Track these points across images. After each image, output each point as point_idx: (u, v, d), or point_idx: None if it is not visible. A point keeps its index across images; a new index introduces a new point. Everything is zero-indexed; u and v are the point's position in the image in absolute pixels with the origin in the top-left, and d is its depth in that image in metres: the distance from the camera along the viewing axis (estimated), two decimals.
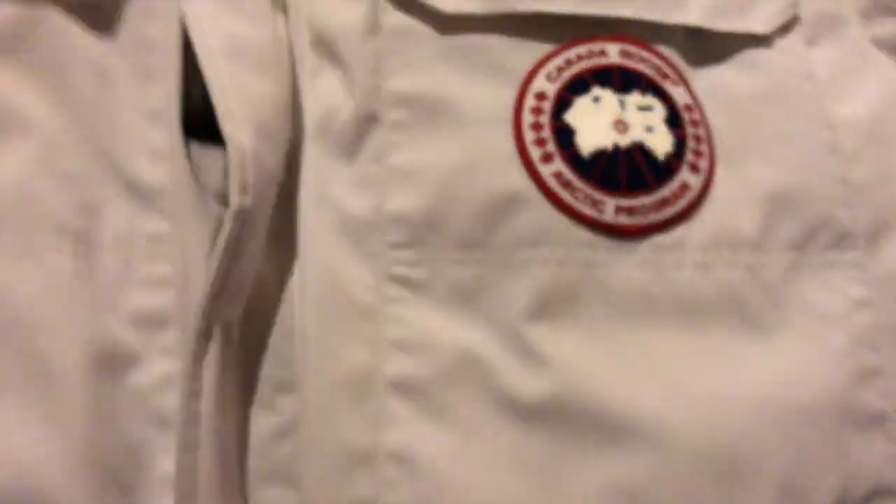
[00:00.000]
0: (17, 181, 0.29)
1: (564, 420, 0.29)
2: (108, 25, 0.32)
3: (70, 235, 0.29)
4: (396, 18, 0.32)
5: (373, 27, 0.32)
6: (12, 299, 0.28)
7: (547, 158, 0.31)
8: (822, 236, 0.31)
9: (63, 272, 0.29)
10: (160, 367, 0.30)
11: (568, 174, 0.30)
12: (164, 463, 0.29)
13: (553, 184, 0.30)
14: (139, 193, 0.31)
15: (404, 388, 0.29)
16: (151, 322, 0.30)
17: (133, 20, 0.32)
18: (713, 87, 0.33)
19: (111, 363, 0.29)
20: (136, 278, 0.30)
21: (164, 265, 0.31)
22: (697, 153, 0.32)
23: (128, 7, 0.32)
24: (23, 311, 0.28)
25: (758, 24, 0.33)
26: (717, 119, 0.33)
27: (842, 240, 0.32)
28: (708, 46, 0.33)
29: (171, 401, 0.29)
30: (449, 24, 0.32)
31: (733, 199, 0.31)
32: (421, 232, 0.30)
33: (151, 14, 0.32)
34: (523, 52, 0.32)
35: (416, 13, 0.32)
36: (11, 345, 0.27)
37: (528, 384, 0.29)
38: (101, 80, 0.31)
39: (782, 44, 0.34)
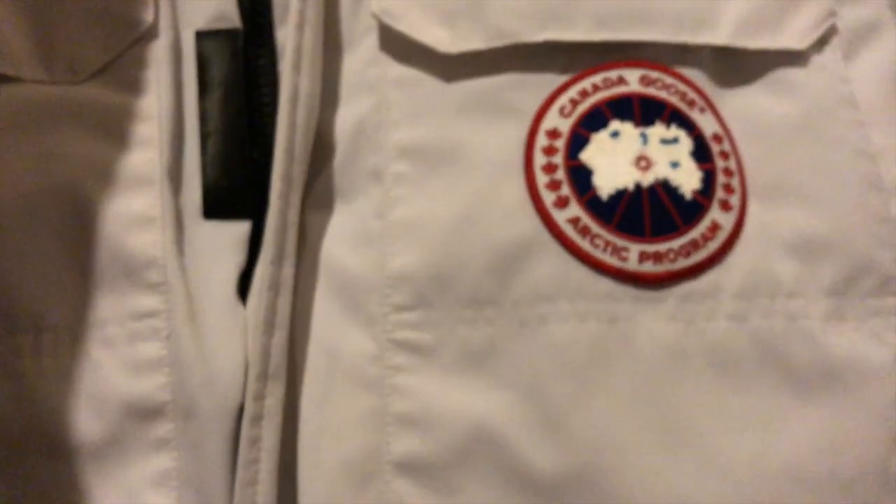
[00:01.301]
0: None
1: (583, 500, 0.26)
2: None
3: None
4: (399, 70, 0.30)
5: (376, 80, 0.30)
6: None
7: (562, 203, 0.28)
8: (863, 281, 0.28)
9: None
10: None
11: (586, 219, 0.28)
12: None
13: (570, 231, 0.28)
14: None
15: (411, 468, 0.27)
16: (143, 411, 0.28)
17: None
18: (743, 113, 0.30)
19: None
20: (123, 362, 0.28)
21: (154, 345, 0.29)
22: (728, 189, 0.29)
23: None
24: None
25: (793, 39, 0.30)
26: (748, 149, 0.29)
27: (884, 285, 0.28)
28: (737, 66, 0.30)
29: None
30: (452, 69, 0.29)
31: (767, 239, 0.28)
32: (426, 291, 0.28)
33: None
34: (533, 88, 0.29)
35: (417, 62, 0.30)
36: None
37: (546, 457, 0.26)
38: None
39: (818, 60, 0.30)
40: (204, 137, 0.31)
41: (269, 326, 0.28)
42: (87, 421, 0.28)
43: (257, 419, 0.27)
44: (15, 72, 0.30)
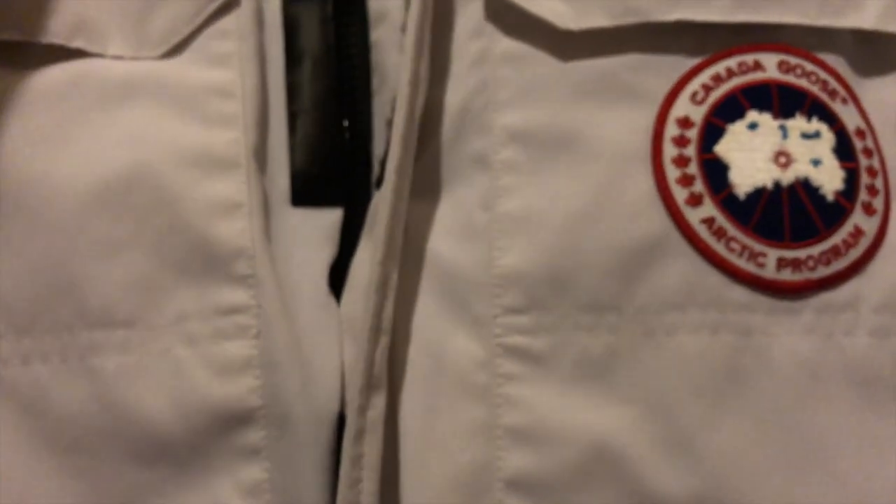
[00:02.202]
0: None
1: None
2: None
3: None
4: (508, 44, 0.27)
5: (482, 54, 0.27)
6: None
7: (695, 200, 0.25)
8: None
9: None
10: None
11: (721, 220, 0.25)
12: None
13: (703, 232, 0.25)
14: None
15: (525, 486, 0.25)
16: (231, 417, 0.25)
17: None
18: (887, 105, 0.27)
19: None
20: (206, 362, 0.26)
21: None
22: (872, 190, 0.26)
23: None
24: None
25: None
26: (892, 146, 0.27)
27: None
28: (880, 54, 0.28)
29: None
30: (568, 46, 0.26)
31: None
32: (541, 292, 0.25)
33: None
34: (660, 70, 0.26)
35: (531, 37, 0.27)
36: None
37: (672, 480, 0.24)
38: None
39: None
40: (292, 116, 0.29)
41: (375, 333, 0.25)
42: (170, 425, 0.26)
43: (360, 435, 0.24)
44: (97, 48, 0.28)
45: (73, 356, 0.26)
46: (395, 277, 0.25)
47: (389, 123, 0.27)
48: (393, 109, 0.27)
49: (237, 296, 0.26)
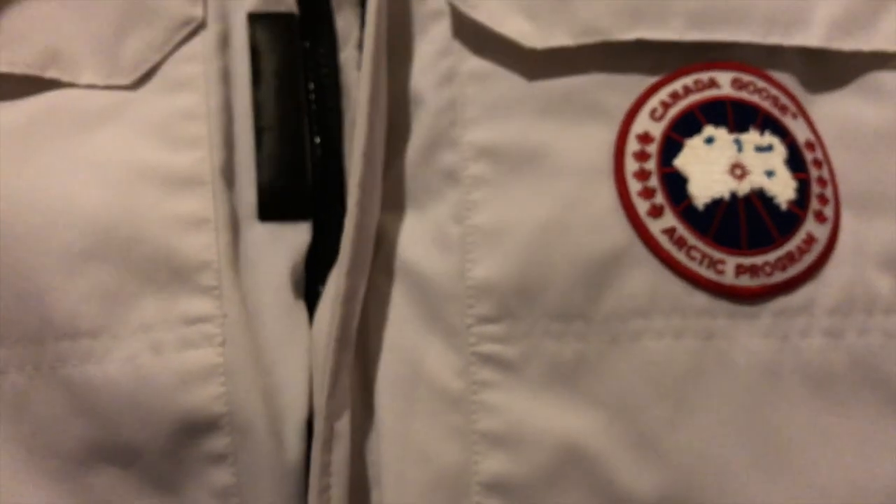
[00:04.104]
0: None
1: None
2: None
3: None
4: (474, 63, 0.28)
5: (449, 73, 0.28)
6: None
7: (656, 212, 0.26)
8: None
9: None
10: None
11: (681, 230, 0.26)
12: None
13: (665, 241, 0.26)
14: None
15: (501, 489, 0.26)
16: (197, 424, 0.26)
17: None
18: (833, 118, 0.29)
19: None
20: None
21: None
22: (822, 199, 0.27)
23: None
24: None
25: (886, 40, 0.29)
26: (839, 157, 0.28)
27: None
28: (827, 69, 0.29)
29: None
30: (533, 65, 0.28)
31: (862, 252, 0.27)
32: (512, 302, 0.26)
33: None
34: (621, 88, 0.27)
35: (497, 56, 0.28)
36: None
37: (641, 479, 0.25)
38: None
39: None
40: (258, 133, 0.30)
41: (340, 343, 0.26)
42: (139, 432, 0.26)
43: (327, 442, 0.26)
44: (70, 77, 0.29)
45: (44, 365, 0.27)
46: (362, 289, 0.26)
47: None
48: None
49: (203, 306, 0.27)
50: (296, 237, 0.29)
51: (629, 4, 0.27)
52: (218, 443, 0.27)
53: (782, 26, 0.28)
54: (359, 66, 0.29)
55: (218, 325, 0.27)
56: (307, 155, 0.30)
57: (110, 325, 0.27)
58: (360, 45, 0.29)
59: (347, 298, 0.26)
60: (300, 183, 0.29)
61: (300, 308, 0.29)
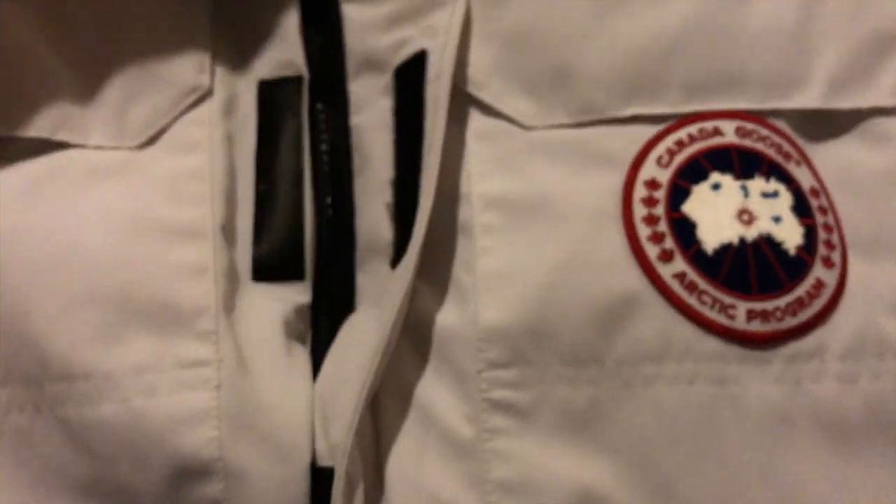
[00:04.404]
0: None
1: None
2: None
3: None
4: (478, 124, 0.28)
5: (455, 133, 0.28)
6: None
7: (666, 256, 0.26)
8: None
9: None
10: None
11: (692, 274, 0.26)
12: None
13: (676, 286, 0.26)
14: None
15: None
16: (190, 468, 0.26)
17: None
18: (836, 165, 0.29)
19: None
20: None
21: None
22: (829, 245, 0.28)
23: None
24: None
25: (884, 96, 0.29)
26: (844, 203, 0.28)
27: None
28: (828, 119, 0.29)
29: None
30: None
31: (871, 297, 0.27)
32: (523, 347, 0.26)
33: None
34: (626, 137, 0.28)
35: (501, 116, 0.28)
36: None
37: None
38: None
39: None
40: (259, 196, 0.30)
41: (369, 394, 0.26)
42: (136, 475, 0.26)
43: (349, 495, 0.25)
44: (79, 139, 0.29)
45: (44, 406, 0.27)
46: (394, 341, 0.26)
47: (388, 206, 0.29)
48: (393, 193, 0.28)
49: (199, 350, 0.27)
50: (292, 296, 0.30)
51: (625, 75, 0.28)
52: (211, 488, 0.26)
53: (780, 90, 0.28)
54: (393, 131, 0.30)
55: (214, 370, 0.27)
56: (306, 218, 0.30)
57: (104, 367, 0.27)
58: (396, 114, 0.30)
59: (387, 350, 0.26)
60: (296, 247, 0.30)
61: (299, 355, 0.29)
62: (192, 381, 0.26)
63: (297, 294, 0.30)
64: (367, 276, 0.30)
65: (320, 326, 0.30)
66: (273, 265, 0.30)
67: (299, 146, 0.31)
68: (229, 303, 0.28)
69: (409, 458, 0.26)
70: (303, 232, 0.30)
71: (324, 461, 0.27)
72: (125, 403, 0.26)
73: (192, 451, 0.26)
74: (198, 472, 0.26)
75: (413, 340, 0.28)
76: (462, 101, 0.29)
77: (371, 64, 0.31)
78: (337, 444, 0.26)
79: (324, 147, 0.31)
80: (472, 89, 0.29)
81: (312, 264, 0.30)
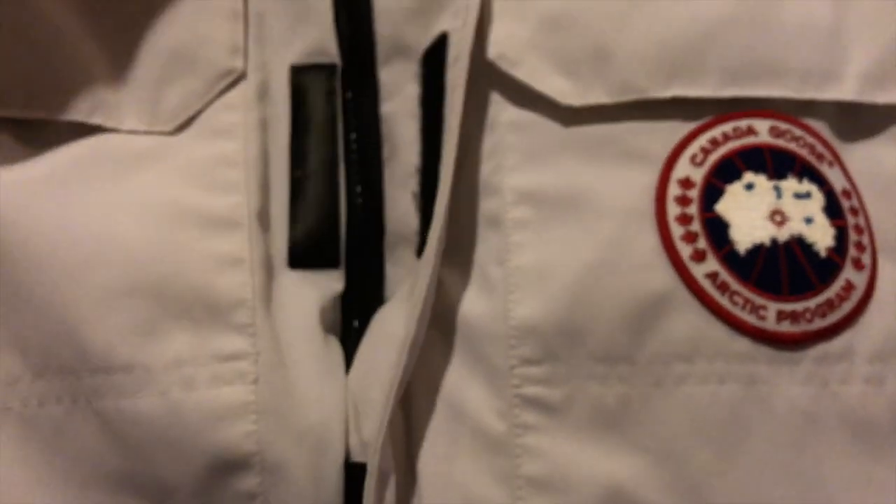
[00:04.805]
0: None
1: None
2: None
3: None
4: (513, 113, 0.28)
5: (490, 122, 0.28)
6: None
7: (699, 256, 0.26)
8: None
9: None
10: None
11: (724, 275, 0.26)
12: None
13: (708, 286, 0.26)
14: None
15: None
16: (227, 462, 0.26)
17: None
18: (867, 167, 0.29)
19: None
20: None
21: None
22: (860, 247, 0.28)
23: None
24: None
25: None
26: (875, 206, 0.29)
27: None
28: (860, 119, 0.29)
29: None
30: (571, 115, 0.28)
31: None
32: (555, 344, 0.26)
33: None
34: (661, 134, 0.28)
35: (534, 107, 0.28)
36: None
37: None
38: None
39: None
40: (294, 182, 0.30)
41: (401, 387, 0.26)
42: (172, 469, 0.26)
43: (381, 489, 0.25)
44: (113, 123, 0.29)
45: (81, 399, 0.27)
46: (423, 335, 0.26)
47: (415, 195, 0.28)
48: (419, 182, 0.28)
49: (237, 343, 0.27)
50: (328, 284, 0.29)
51: (665, 58, 0.28)
52: (248, 482, 0.26)
53: (816, 81, 0.28)
54: (420, 119, 0.30)
55: (251, 363, 0.27)
56: (340, 205, 0.30)
57: (144, 360, 0.27)
58: (422, 101, 0.30)
59: (415, 344, 0.26)
60: (331, 234, 0.30)
61: (334, 348, 0.29)
62: (230, 375, 0.27)
63: (332, 282, 0.30)
64: (396, 265, 0.30)
65: (350, 316, 0.30)
66: (309, 252, 0.30)
67: (333, 133, 0.31)
68: (266, 293, 0.28)
69: (440, 453, 0.26)
70: (338, 219, 0.30)
71: (356, 457, 0.27)
72: (163, 397, 0.26)
73: (230, 446, 0.26)
74: (235, 466, 0.26)
75: (442, 329, 0.28)
76: (493, 86, 0.29)
77: (400, 50, 0.31)
78: (369, 440, 0.26)
79: (353, 135, 0.31)
80: (506, 66, 0.28)
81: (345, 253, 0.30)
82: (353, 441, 0.27)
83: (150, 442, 0.26)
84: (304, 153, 0.30)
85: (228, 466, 0.26)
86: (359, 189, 0.31)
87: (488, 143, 0.28)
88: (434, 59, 0.30)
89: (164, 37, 0.30)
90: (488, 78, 0.29)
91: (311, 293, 0.29)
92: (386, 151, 0.31)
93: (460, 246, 0.28)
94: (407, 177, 0.30)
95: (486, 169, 0.28)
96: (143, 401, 0.26)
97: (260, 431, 0.26)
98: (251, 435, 0.26)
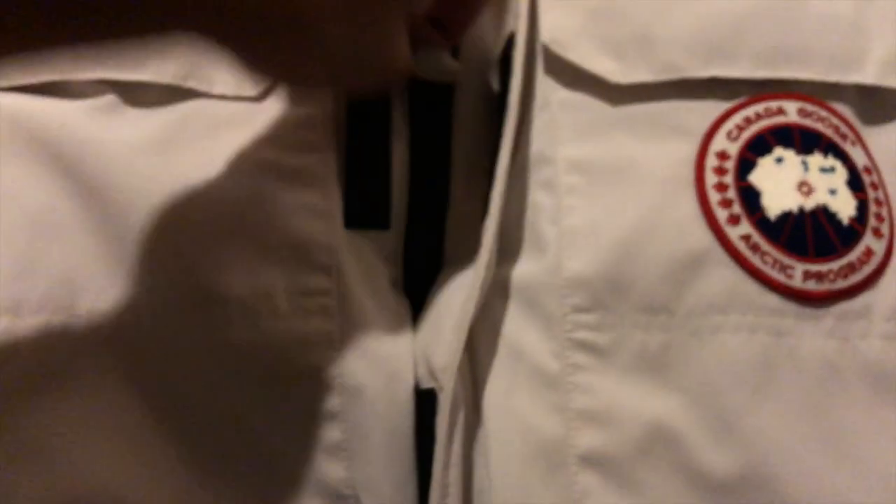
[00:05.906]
0: None
1: (752, 501, 0.27)
2: None
3: None
4: (563, 94, 0.32)
5: (543, 102, 0.32)
6: None
7: (734, 220, 0.29)
8: None
9: None
10: None
11: (756, 237, 0.29)
12: None
13: (742, 246, 0.29)
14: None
15: (595, 462, 0.28)
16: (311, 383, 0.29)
17: None
18: (887, 147, 0.32)
19: None
20: None
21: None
22: (879, 217, 0.31)
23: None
24: None
25: None
26: (893, 181, 0.31)
27: None
28: (881, 103, 0.32)
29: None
30: (618, 94, 0.31)
31: None
32: (603, 295, 0.29)
33: None
34: (699, 112, 0.31)
35: (583, 87, 0.32)
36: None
37: (719, 458, 0.28)
38: None
39: None
40: (350, 145, 0.33)
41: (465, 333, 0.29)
42: (257, 390, 0.29)
43: (450, 440, 0.28)
44: (205, 88, 0.32)
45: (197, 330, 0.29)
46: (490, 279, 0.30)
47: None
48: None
49: (320, 281, 0.30)
50: (384, 242, 0.33)
51: (703, 41, 0.31)
52: (330, 402, 0.29)
53: (840, 66, 0.32)
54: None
55: (333, 298, 0.30)
56: (393, 170, 0.33)
57: (242, 293, 0.29)
58: (499, 97, 0.33)
59: (484, 286, 0.29)
60: (383, 197, 0.33)
61: (400, 294, 0.32)
62: (314, 307, 0.29)
63: (387, 240, 0.33)
64: (457, 227, 0.33)
65: (410, 274, 0.33)
66: (364, 213, 0.32)
67: (386, 107, 0.33)
68: (341, 241, 0.31)
69: (501, 389, 0.29)
70: (390, 183, 0.33)
71: (425, 384, 0.30)
72: (255, 327, 0.29)
73: (314, 368, 0.29)
74: (319, 387, 0.29)
75: (500, 283, 0.31)
76: (547, 72, 0.32)
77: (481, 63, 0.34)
78: (442, 366, 0.29)
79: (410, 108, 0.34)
80: (559, 49, 0.32)
81: (404, 214, 0.33)
82: (422, 371, 0.30)
83: (240, 365, 0.29)
84: (362, 116, 0.33)
85: (312, 387, 0.29)
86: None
87: (542, 118, 0.32)
88: (506, 60, 0.33)
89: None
90: (543, 64, 0.32)
91: (371, 246, 0.32)
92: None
93: (515, 207, 0.31)
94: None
95: (542, 141, 0.31)
96: (242, 334, 0.29)
97: (340, 358, 0.29)
98: (333, 358, 0.29)
